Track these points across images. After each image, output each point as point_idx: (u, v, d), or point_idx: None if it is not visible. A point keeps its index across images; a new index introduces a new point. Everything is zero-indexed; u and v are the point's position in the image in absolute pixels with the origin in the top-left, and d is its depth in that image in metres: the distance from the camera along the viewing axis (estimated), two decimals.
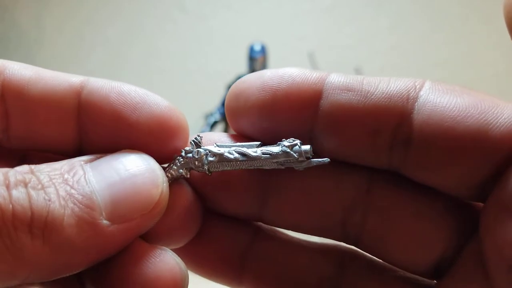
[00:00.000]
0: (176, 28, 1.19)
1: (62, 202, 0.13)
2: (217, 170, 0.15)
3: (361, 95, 0.14)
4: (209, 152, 0.16)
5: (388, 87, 0.14)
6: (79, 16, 1.20)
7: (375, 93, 0.14)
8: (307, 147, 0.15)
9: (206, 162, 0.15)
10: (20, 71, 0.16)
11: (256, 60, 0.68)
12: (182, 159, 0.16)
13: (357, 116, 0.14)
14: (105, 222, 0.13)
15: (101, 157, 0.15)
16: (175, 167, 0.16)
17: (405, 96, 0.14)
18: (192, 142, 0.16)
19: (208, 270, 0.17)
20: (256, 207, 0.16)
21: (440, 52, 1.18)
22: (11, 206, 0.12)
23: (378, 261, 0.16)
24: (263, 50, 0.67)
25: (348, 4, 1.17)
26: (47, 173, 0.13)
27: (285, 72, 0.15)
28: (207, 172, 0.15)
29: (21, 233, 0.12)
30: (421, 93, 0.14)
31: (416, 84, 0.15)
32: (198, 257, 0.17)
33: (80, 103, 0.16)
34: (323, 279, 0.16)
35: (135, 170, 0.14)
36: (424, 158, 0.14)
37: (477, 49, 1.18)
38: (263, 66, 0.67)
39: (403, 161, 0.15)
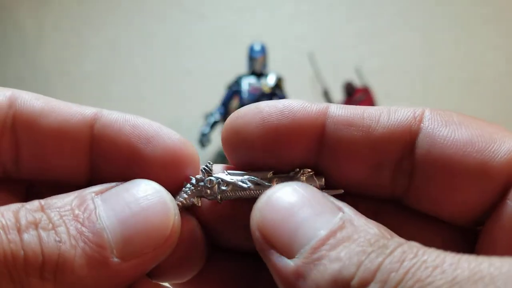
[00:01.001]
0: (176, 27, 1.19)
1: (73, 242, 0.13)
2: (229, 198, 0.15)
3: (363, 130, 0.14)
4: (222, 181, 0.15)
5: (389, 121, 0.14)
6: (79, 16, 1.20)
7: (377, 127, 0.14)
8: (321, 178, 0.15)
9: (219, 191, 0.15)
10: (32, 102, 0.16)
11: (256, 59, 0.68)
12: (193, 188, 0.15)
13: (360, 151, 0.14)
14: (116, 260, 0.13)
15: (112, 187, 0.15)
16: (186, 196, 0.15)
17: (406, 129, 0.14)
18: (203, 170, 0.16)
19: None
20: None
21: (440, 52, 1.18)
22: (22, 252, 0.12)
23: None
24: (263, 50, 0.67)
25: (347, 4, 1.17)
26: (58, 210, 0.13)
27: (285, 106, 0.15)
28: (219, 201, 0.15)
29: (33, 278, 0.12)
30: (422, 125, 0.15)
31: (416, 115, 0.15)
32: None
33: (93, 136, 0.16)
34: None
35: (147, 203, 0.14)
36: (426, 189, 0.14)
37: (477, 50, 1.18)
38: (263, 66, 0.67)
39: (405, 192, 0.15)
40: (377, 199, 0.16)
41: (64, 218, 0.13)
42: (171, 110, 1.20)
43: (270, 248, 0.13)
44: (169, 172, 0.16)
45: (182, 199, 0.15)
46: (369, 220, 0.12)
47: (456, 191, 0.14)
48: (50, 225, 0.13)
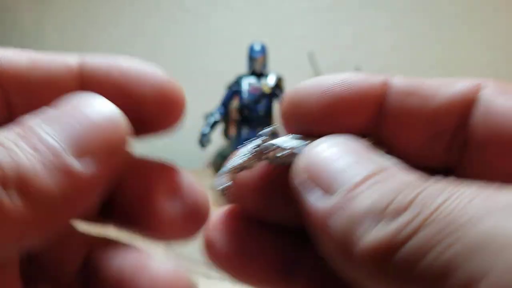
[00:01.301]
0: (176, 27, 1.20)
1: (29, 155, 0.12)
2: (287, 163, 0.15)
3: (423, 100, 0.14)
4: (284, 145, 0.15)
5: (448, 91, 0.14)
6: (80, 16, 1.20)
7: (436, 97, 0.14)
8: (381, 147, 0.15)
9: (280, 155, 0.15)
10: (16, 58, 0.15)
11: (256, 59, 0.68)
12: (255, 150, 0.15)
13: (419, 121, 0.14)
14: (73, 160, 0.13)
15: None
16: (247, 157, 0.15)
17: (464, 99, 0.14)
18: (268, 133, 0.15)
19: (258, 280, 0.16)
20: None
21: (439, 52, 1.18)
22: None
23: None
24: (263, 49, 0.68)
25: (347, 4, 1.18)
26: (4, 135, 0.13)
27: (346, 78, 0.15)
28: (279, 164, 0.15)
29: None
30: (479, 94, 0.15)
31: (474, 85, 0.15)
32: (247, 268, 0.16)
33: (82, 84, 0.16)
34: None
35: (95, 111, 0.14)
36: (479, 159, 0.14)
37: (476, 50, 1.18)
38: (263, 66, 0.67)
39: (459, 162, 0.15)
40: (430, 169, 0.15)
41: (11, 138, 0.13)
42: None
43: (309, 187, 0.13)
44: (160, 111, 0.16)
45: (242, 160, 0.15)
46: (411, 171, 0.12)
47: (508, 159, 0.14)
48: (1, 146, 0.12)
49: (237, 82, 0.67)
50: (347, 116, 0.14)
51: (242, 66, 1.16)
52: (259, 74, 0.67)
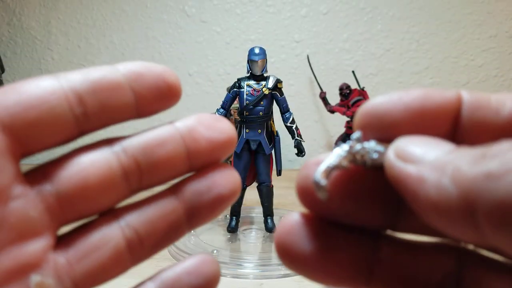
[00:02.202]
0: (178, 32, 1.22)
1: None
2: (376, 166, 0.15)
3: (493, 112, 0.15)
4: (374, 148, 0.15)
5: None
6: (85, 20, 1.23)
7: (504, 109, 0.15)
8: None
9: (369, 157, 0.15)
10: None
11: (256, 62, 0.70)
12: (347, 151, 0.16)
13: (490, 132, 0.15)
14: None
15: None
16: (340, 158, 0.15)
17: None
18: (356, 138, 0.16)
19: (338, 280, 0.16)
20: (392, 215, 0.16)
21: (433, 56, 1.20)
22: None
23: (493, 256, 0.16)
24: (263, 53, 0.70)
25: (344, 9, 1.20)
26: None
27: (426, 92, 0.15)
28: (368, 167, 0.16)
29: None
30: None
31: None
32: (327, 269, 0.16)
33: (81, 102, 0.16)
34: (446, 274, 0.16)
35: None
36: None
37: (469, 53, 1.20)
38: (263, 69, 0.70)
39: None
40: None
41: None
42: (173, 112, 1.22)
43: (400, 161, 0.14)
44: (158, 103, 0.17)
45: (335, 161, 0.15)
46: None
47: None
48: None
49: (237, 85, 0.69)
50: (428, 129, 0.15)
51: (242, 69, 1.19)
52: (259, 77, 0.69)
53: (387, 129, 0.15)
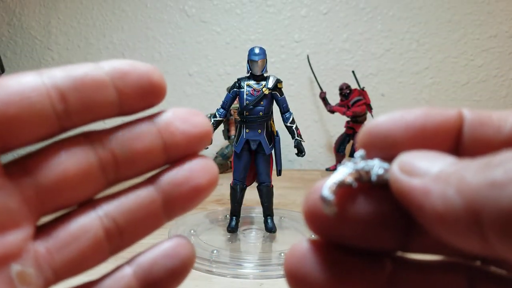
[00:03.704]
0: (178, 32, 1.22)
1: None
2: (382, 183, 0.15)
3: (494, 128, 0.15)
4: (380, 165, 0.15)
5: None
6: (85, 20, 1.23)
7: (506, 126, 0.15)
8: None
9: (375, 174, 0.15)
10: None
11: (256, 62, 0.70)
12: (353, 169, 0.16)
13: (492, 148, 0.15)
14: None
15: None
16: (345, 176, 0.15)
17: None
18: (359, 155, 0.16)
19: None
20: (402, 236, 0.16)
21: (433, 56, 1.20)
22: None
23: (505, 274, 0.16)
24: (263, 53, 0.70)
25: (344, 9, 1.20)
26: None
27: (427, 111, 0.15)
28: (374, 184, 0.16)
29: None
30: None
31: None
32: None
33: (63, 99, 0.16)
34: None
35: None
36: None
37: (469, 53, 1.20)
38: (263, 69, 0.70)
39: None
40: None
41: None
42: None
43: (405, 174, 0.14)
44: (142, 101, 0.17)
45: (341, 178, 0.15)
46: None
47: None
48: None
49: (237, 85, 0.69)
50: (430, 147, 0.15)
51: (242, 69, 1.19)
52: (259, 77, 0.69)
53: (389, 148, 0.16)
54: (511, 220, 0.11)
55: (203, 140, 0.18)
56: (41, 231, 0.16)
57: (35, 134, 0.15)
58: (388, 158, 0.15)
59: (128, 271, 0.17)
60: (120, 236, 0.17)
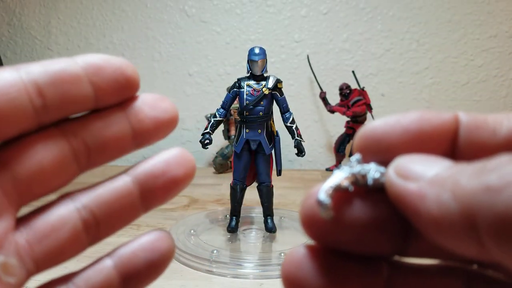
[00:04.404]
0: (178, 32, 1.22)
1: None
2: (378, 187, 0.15)
3: (490, 132, 0.15)
4: (376, 169, 0.15)
5: (511, 122, 0.15)
6: (85, 20, 1.23)
7: (502, 129, 0.15)
8: None
9: (372, 178, 0.15)
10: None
11: (256, 62, 0.70)
12: (349, 172, 0.16)
13: (488, 151, 0.15)
14: None
15: None
16: (342, 179, 0.15)
17: None
18: (356, 160, 0.16)
19: None
20: (399, 241, 0.16)
21: (433, 56, 1.20)
22: None
23: (501, 277, 0.16)
24: (263, 53, 0.70)
25: (344, 9, 1.20)
26: None
27: (423, 115, 0.16)
28: (370, 188, 0.16)
29: None
30: None
31: None
32: None
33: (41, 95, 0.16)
34: None
35: None
36: None
37: (469, 53, 1.20)
38: (263, 69, 0.70)
39: None
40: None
41: None
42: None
43: (401, 178, 0.14)
44: (117, 94, 0.17)
45: (338, 182, 0.15)
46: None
47: None
48: None
49: (237, 85, 0.69)
50: (426, 151, 0.15)
51: (242, 69, 1.19)
52: (259, 77, 0.69)
53: (385, 152, 0.16)
54: (506, 224, 0.11)
55: (170, 125, 0.18)
56: (20, 223, 0.17)
57: (14, 129, 0.16)
58: (385, 162, 0.16)
59: (108, 263, 0.18)
60: (97, 227, 0.17)
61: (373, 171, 0.15)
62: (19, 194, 0.16)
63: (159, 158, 0.18)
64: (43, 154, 0.16)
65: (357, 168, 0.16)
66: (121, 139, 0.18)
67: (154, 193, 0.18)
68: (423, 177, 0.13)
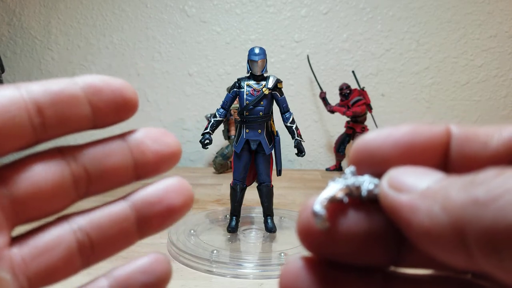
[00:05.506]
0: (178, 32, 1.22)
1: None
2: (372, 198, 0.16)
3: (481, 144, 0.15)
4: (370, 181, 0.16)
5: (502, 135, 0.15)
6: (85, 20, 1.23)
7: (493, 141, 0.15)
8: None
9: (366, 189, 0.16)
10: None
11: (256, 62, 0.70)
12: (344, 184, 0.16)
13: (480, 164, 0.15)
14: None
15: None
16: (336, 191, 0.16)
17: None
18: (351, 172, 0.16)
19: None
20: (394, 251, 0.16)
21: (433, 56, 1.20)
22: None
23: (493, 286, 0.16)
24: (263, 53, 0.70)
25: (344, 9, 1.20)
26: None
27: (415, 128, 0.16)
28: (364, 200, 0.16)
29: None
30: None
31: None
32: None
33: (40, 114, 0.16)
34: None
35: None
36: None
37: (469, 53, 1.20)
38: (263, 69, 0.70)
39: None
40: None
41: None
42: (175, 112, 1.22)
43: (393, 190, 0.14)
44: (118, 111, 0.18)
45: (332, 193, 0.16)
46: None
47: None
48: None
49: (237, 85, 0.69)
50: (419, 163, 0.15)
51: (242, 69, 1.19)
52: (259, 77, 0.69)
53: (379, 164, 0.16)
54: (494, 237, 0.11)
55: (173, 160, 0.19)
56: (16, 241, 0.17)
57: (12, 146, 0.16)
58: (378, 174, 0.16)
59: (104, 283, 0.18)
60: (91, 250, 0.17)
61: (367, 182, 0.16)
62: (16, 212, 0.16)
63: (158, 185, 0.18)
64: (42, 175, 0.17)
65: (352, 180, 0.16)
66: (122, 169, 0.18)
67: (150, 220, 0.18)
68: (415, 189, 0.14)
